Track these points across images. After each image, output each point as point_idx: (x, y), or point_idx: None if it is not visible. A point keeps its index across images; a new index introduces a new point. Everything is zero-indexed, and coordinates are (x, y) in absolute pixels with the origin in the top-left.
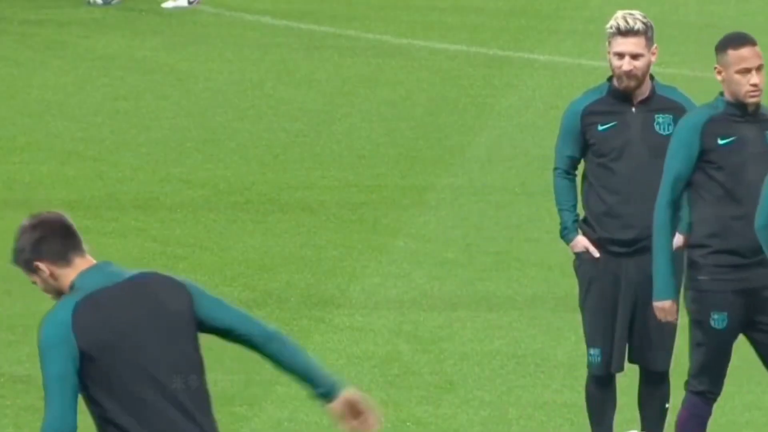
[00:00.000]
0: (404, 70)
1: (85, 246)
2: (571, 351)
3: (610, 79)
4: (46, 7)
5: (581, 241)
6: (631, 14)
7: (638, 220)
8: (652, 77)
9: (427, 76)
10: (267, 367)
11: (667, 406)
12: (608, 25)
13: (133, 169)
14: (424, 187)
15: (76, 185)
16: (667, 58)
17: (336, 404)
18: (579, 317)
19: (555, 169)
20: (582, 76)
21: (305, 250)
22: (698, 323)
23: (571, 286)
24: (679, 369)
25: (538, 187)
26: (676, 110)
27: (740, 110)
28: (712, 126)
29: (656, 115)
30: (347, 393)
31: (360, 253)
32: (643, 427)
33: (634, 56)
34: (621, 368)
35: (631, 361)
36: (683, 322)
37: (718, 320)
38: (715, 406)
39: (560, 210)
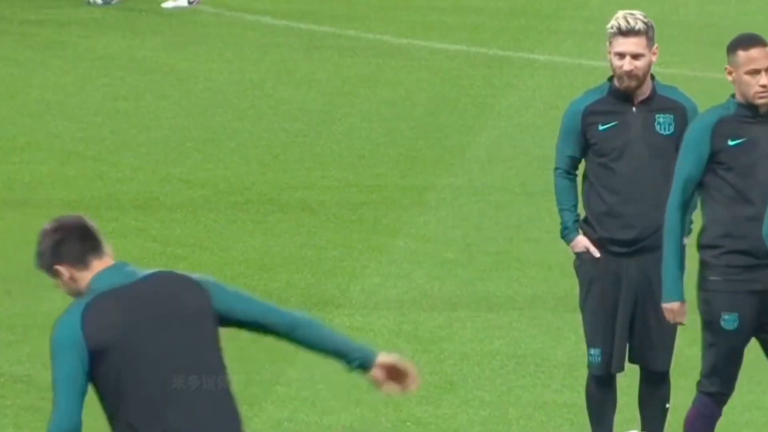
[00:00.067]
0: (404, 70)
1: (106, 247)
2: (571, 351)
3: (610, 79)
4: (46, 7)
5: (582, 241)
6: (632, 14)
7: (639, 220)
8: (652, 77)
9: (427, 76)
10: (267, 367)
11: (667, 406)
12: (609, 25)
13: (133, 169)
14: (424, 187)
15: (76, 185)
16: (667, 58)
17: (374, 372)
18: (579, 317)
19: (556, 169)
20: (582, 76)
21: (305, 250)
22: (709, 324)
23: (571, 286)
24: (679, 369)
25: (538, 187)
26: (677, 110)
27: (751, 111)
28: (722, 127)
29: (657, 115)
30: (383, 358)
31: (360, 253)
32: (644, 427)
33: (635, 56)
34: (621, 368)
35: (631, 361)
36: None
37: (728, 321)
38: None
39: (561, 210)
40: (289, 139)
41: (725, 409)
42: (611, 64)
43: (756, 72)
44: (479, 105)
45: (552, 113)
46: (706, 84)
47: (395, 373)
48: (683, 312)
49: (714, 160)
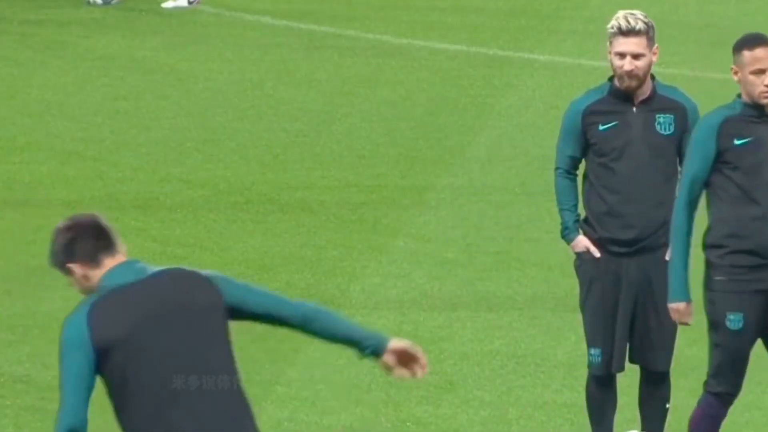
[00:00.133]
0: (404, 70)
1: (119, 246)
2: (571, 351)
3: (611, 78)
4: (46, 7)
5: (582, 241)
6: (632, 14)
7: (639, 219)
8: (653, 77)
9: (427, 76)
10: (267, 367)
11: (667, 406)
12: (609, 25)
13: (133, 169)
14: (424, 187)
15: (76, 185)
16: (667, 58)
17: (386, 358)
18: (579, 317)
19: (556, 168)
20: (582, 76)
21: (305, 250)
22: (715, 324)
23: (571, 286)
24: (679, 369)
25: (538, 187)
26: (677, 110)
27: (757, 111)
28: (728, 126)
29: (657, 115)
30: (394, 344)
31: (360, 253)
32: (644, 427)
33: (636, 56)
34: (621, 368)
35: (631, 361)
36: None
37: (734, 321)
38: None
39: (561, 210)
40: (289, 139)
41: None
42: (611, 64)
43: (761, 72)
44: (479, 105)
45: (552, 113)
46: (706, 84)
47: (406, 358)
48: (689, 312)
49: (720, 160)
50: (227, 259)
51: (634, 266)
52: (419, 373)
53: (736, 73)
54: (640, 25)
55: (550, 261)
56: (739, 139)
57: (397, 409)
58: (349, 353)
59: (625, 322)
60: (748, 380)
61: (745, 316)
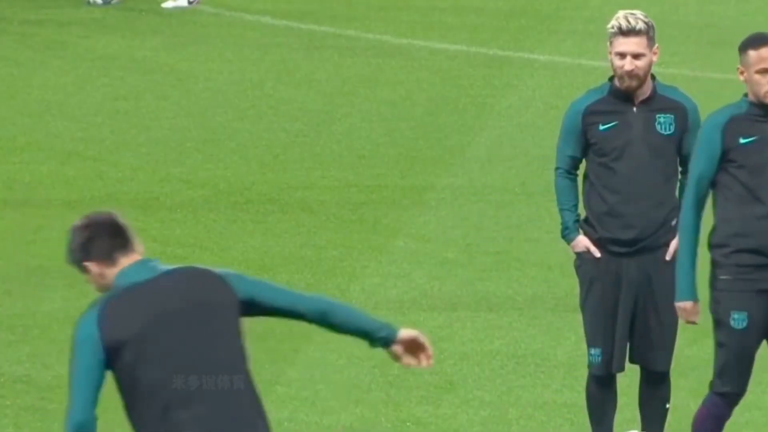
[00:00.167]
0: (404, 70)
1: (136, 245)
2: (571, 351)
3: (611, 78)
4: (46, 7)
5: (582, 241)
6: (632, 14)
7: (639, 219)
8: (653, 77)
9: (427, 76)
10: (267, 367)
11: (667, 406)
12: (610, 25)
13: (133, 169)
14: (424, 187)
15: (76, 185)
16: (667, 58)
17: (395, 347)
18: (579, 317)
19: (556, 168)
20: (582, 76)
21: (305, 250)
22: (719, 323)
23: (571, 286)
24: (679, 369)
25: (538, 187)
26: (678, 110)
27: (763, 110)
28: (733, 125)
29: (657, 115)
30: (404, 333)
31: (360, 253)
32: (644, 427)
33: (636, 56)
34: (622, 368)
35: (631, 361)
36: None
37: (738, 320)
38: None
39: (561, 210)
40: (289, 139)
41: None
42: (612, 64)
43: (766, 71)
44: (479, 105)
45: (552, 113)
46: (706, 84)
47: (414, 347)
48: (696, 311)
49: (726, 159)
50: (227, 259)
51: (634, 266)
52: (424, 362)
53: (742, 72)
54: (640, 25)
55: (550, 261)
56: (744, 138)
57: (397, 409)
58: (349, 353)
59: (625, 322)
60: None
61: (749, 315)
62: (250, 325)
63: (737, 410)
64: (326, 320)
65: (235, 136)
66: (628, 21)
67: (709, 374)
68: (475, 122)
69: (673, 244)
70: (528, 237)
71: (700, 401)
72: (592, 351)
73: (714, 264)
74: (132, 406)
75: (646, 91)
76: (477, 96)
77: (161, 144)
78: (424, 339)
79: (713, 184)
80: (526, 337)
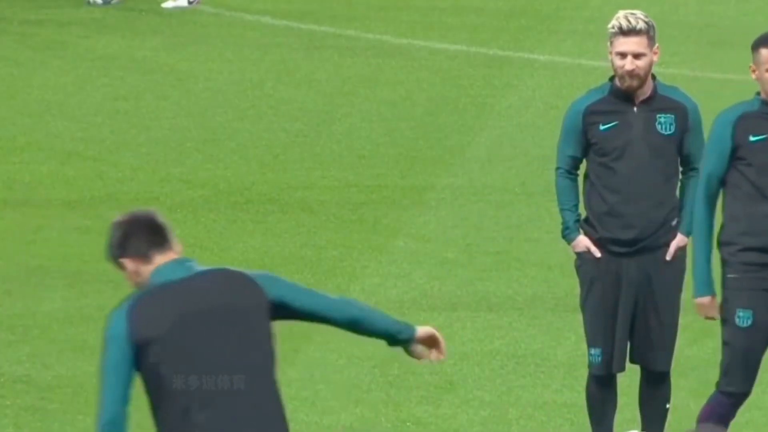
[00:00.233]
0: (404, 70)
1: (173, 244)
2: (571, 351)
3: (612, 78)
4: (46, 7)
5: (582, 241)
6: (633, 14)
7: (639, 219)
8: (653, 77)
9: (427, 76)
10: None
11: (667, 406)
12: (610, 25)
13: (133, 169)
14: (424, 187)
15: (76, 185)
16: (667, 58)
17: (415, 347)
18: (579, 317)
19: (557, 168)
20: (582, 76)
21: (305, 250)
22: (725, 321)
23: (571, 286)
24: (680, 369)
25: (538, 187)
26: (678, 110)
27: None
28: (744, 122)
29: (658, 115)
30: (421, 333)
31: (360, 253)
32: (644, 427)
33: (637, 56)
34: (622, 368)
35: (632, 361)
36: (684, 321)
37: (743, 318)
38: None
39: (562, 210)
40: (289, 139)
41: None
42: (612, 64)
43: None
44: (479, 105)
45: (552, 113)
46: (706, 84)
47: (428, 343)
48: (714, 306)
49: (736, 156)
50: (227, 259)
51: (635, 266)
52: (434, 356)
53: (753, 71)
54: (641, 25)
55: (550, 261)
56: (754, 136)
57: (397, 409)
58: (349, 353)
59: (625, 322)
60: None
61: (754, 313)
62: None
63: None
64: (355, 327)
65: (235, 136)
66: (629, 21)
67: (709, 374)
68: (475, 122)
69: (674, 244)
70: (528, 237)
71: (700, 401)
72: (593, 351)
73: (723, 263)
74: (157, 407)
75: (646, 91)
76: (477, 96)
77: (161, 144)
78: (439, 336)
79: (723, 182)
80: (526, 337)
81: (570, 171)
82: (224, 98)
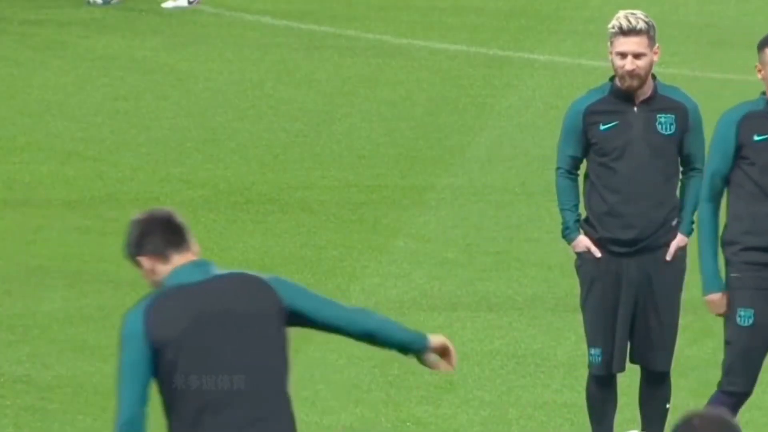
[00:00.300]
0: (404, 70)
1: (192, 244)
2: (571, 351)
3: (612, 78)
4: (46, 7)
5: (583, 241)
6: (633, 14)
7: (639, 219)
8: (654, 77)
9: (427, 76)
10: None
11: (667, 406)
12: (610, 25)
13: (133, 169)
14: (424, 187)
15: (76, 185)
16: (667, 58)
17: (428, 355)
18: (579, 317)
19: (557, 168)
20: (582, 76)
21: (305, 250)
22: (727, 320)
23: (571, 286)
24: (680, 369)
25: (538, 187)
26: (678, 110)
27: None
28: (748, 122)
29: (658, 115)
30: (434, 341)
31: (360, 253)
32: (644, 427)
33: (637, 56)
34: (622, 368)
35: (632, 361)
36: (684, 321)
37: (744, 317)
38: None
39: (562, 210)
40: (289, 139)
41: None
42: (613, 64)
43: None
44: (479, 105)
45: (552, 113)
46: (706, 84)
47: (440, 352)
48: (724, 303)
49: (740, 155)
50: (227, 259)
51: (635, 266)
52: (442, 366)
53: (759, 70)
54: (641, 25)
55: (550, 261)
56: (758, 135)
57: (397, 409)
58: (349, 353)
59: (625, 322)
60: None
61: (755, 312)
62: None
63: None
64: (370, 339)
65: (235, 136)
66: (629, 21)
67: (709, 374)
68: (475, 122)
69: (674, 244)
70: (528, 237)
71: (700, 401)
72: (593, 351)
73: (725, 262)
74: (170, 407)
75: (646, 91)
76: (477, 96)
77: (161, 144)
78: (451, 346)
79: (727, 181)
80: (526, 337)
81: (570, 171)
82: (224, 98)
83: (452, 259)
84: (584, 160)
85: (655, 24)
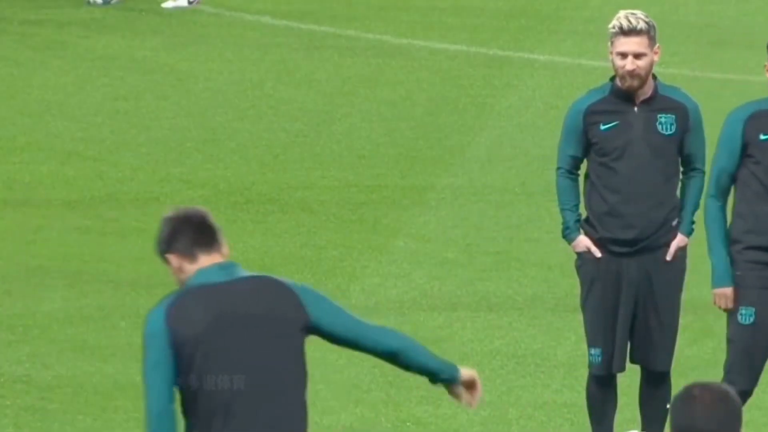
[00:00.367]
0: (404, 70)
1: (221, 246)
2: (571, 351)
3: (612, 78)
4: (46, 7)
5: (583, 241)
6: (633, 14)
7: (639, 219)
8: (654, 77)
9: (427, 76)
10: None
11: (668, 406)
12: (611, 25)
13: (133, 169)
14: (424, 187)
15: (76, 185)
16: (667, 58)
17: (458, 388)
18: (579, 317)
19: (558, 168)
20: (582, 76)
21: (305, 250)
22: (730, 319)
23: (571, 286)
24: (680, 369)
25: (538, 187)
26: (679, 110)
27: None
28: (755, 121)
29: (658, 115)
30: (465, 375)
31: (360, 253)
32: (644, 427)
33: (637, 56)
34: (622, 368)
35: (632, 361)
36: (684, 321)
37: (745, 315)
38: None
39: (562, 209)
40: (289, 139)
41: None
42: (613, 64)
43: None
44: (479, 105)
45: (552, 113)
46: (706, 84)
47: (467, 385)
48: (733, 297)
49: (746, 154)
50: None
51: (635, 266)
52: (465, 400)
53: None
54: (641, 25)
55: (550, 261)
56: (765, 135)
57: (397, 409)
58: (349, 353)
59: (625, 322)
60: None
61: (757, 311)
62: None
63: None
64: (394, 359)
65: (235, 136)
66: (629, 21)
67: (709, 374)
68: (475, 122)
69: (674, 244)
70: (528, 237)
71: None
72: (593, 351)
73: (731, 260)
74: (189, 406)
75: (647, 91)
76: (477, 96)
77: (161, 144)
78: (478, 381)
79: (734, 180)
80: (526, 337)
81: (570, 171)
82: (224, 98)
83: (452, 259)
84: (584, 160)
85: (655, 24)
